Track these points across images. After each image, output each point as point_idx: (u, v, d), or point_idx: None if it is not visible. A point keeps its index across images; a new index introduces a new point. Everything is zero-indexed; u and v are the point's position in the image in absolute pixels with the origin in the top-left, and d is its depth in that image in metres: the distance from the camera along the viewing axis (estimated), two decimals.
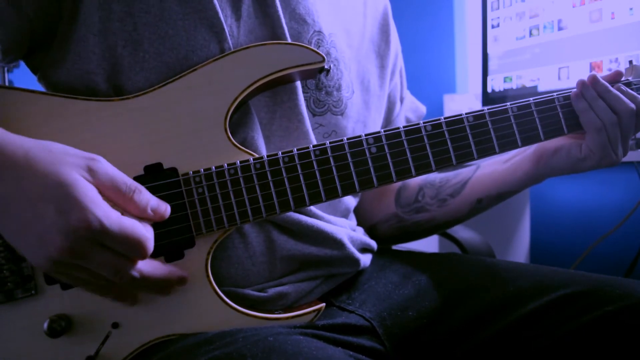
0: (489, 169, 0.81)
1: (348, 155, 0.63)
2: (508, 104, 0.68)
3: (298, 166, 0.62)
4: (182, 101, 0.61)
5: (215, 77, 0.62)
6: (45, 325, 0.57)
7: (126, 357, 0.59)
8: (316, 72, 0.68)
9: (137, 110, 0.61)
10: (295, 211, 0.66)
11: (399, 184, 0.88)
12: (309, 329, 0.61)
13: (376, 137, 0.63)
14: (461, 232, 1.01)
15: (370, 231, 0.89)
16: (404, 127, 0.64)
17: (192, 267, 0.61)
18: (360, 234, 0.77)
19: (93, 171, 0.52)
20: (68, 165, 0.51)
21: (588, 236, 1.54)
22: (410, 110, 0.94)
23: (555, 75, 1.24)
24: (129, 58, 0.61)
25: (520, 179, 0.77)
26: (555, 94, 0.70)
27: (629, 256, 1.38)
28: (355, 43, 0.77)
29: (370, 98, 0.79)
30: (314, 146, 0.62)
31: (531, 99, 0.69)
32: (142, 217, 0.55)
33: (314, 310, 0.64)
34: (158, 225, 0.59)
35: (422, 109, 0.96)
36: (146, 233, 0.52)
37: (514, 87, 1.35)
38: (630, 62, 0.75)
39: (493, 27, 1.41)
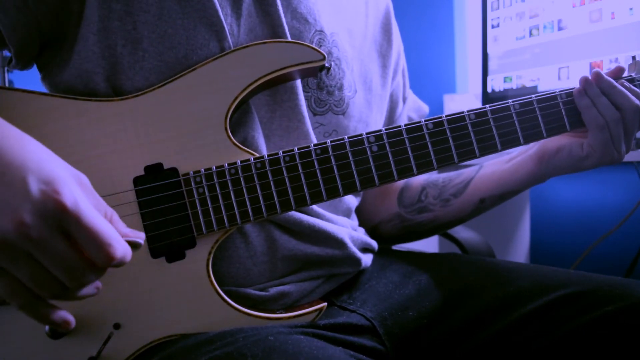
0: (491, 169, 0.81)
1: (349, 154, 0.63)
2: (510, 101, 0.67)
3: (299, 165, 0.62)
4: (182, 101, 0.61)
5: (216, 76, 0.62)
6: (47, 326, 0.57)
7: (128, 358, 0.59)
8: (317, 71, 0.68)
9: (137, 110, 0.61)
10: (296, 211, 0.66)
11: (401, 183, 0.88)
12: (310, 329, 0.62)
13: (377, 136, 0.63)
14: (461, 232, 1.01)
15: (373, 231, 0.89)
16: (405, 125, 0.64)
17: (193, 268, 0.61)
18: (361, 234, 0.77)
19: (81, 182, 0.48)
20: (59, 162, 0.48)
21: (588, 236, 1.54)
22: (413, 110, 0.94)
23: (555, 75, 1.24)
24: (129, 57, 0.61)
25: (523, 179, 0.77)
26: (557, 90, 0.70)
27: (629, 256, 1.38)
28: (357, 42, 0.77)
29: (372, 97, 0.79)
30: (315, 145, 0.62)
31: (533, 95, 0.68)
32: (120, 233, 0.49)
33: (315, 310, 0.64)
34: (159, 225, 0.59)
35: (425, 108, 0.96)
36: (118, 237, 0.46)
37: (514, 87, 1.35)
38: (634, 57, 0.75)
39: (493, 27, 1.41)
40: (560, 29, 1.23)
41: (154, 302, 0.60)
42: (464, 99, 1.94)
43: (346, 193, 0.63)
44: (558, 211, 1.75)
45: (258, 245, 0.65)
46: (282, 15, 0.66)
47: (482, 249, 0.98)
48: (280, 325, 0.61)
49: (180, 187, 0.60)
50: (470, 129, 0.65)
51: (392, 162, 0.63)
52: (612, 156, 0.69)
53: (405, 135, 0.64)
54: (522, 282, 0.68)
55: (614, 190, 1.59)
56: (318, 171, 0.62)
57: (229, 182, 0.61)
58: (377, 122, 0.80)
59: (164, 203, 0.59)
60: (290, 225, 0.66)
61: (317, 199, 0.62)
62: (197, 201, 0.60)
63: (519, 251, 1.65)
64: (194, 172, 0.60)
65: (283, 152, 0.62)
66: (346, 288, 0.75)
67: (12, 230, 0.42)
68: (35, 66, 0.69)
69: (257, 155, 0.62)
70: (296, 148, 0.62)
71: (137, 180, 0.59)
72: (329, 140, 0.63)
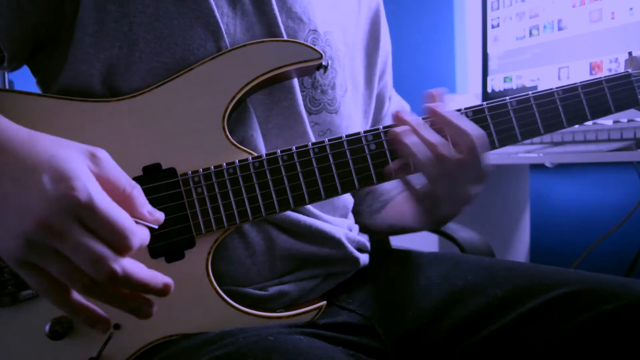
0: (401, 199, 0.81)
1: (347, 152, 0.63)
2: (507, 98, 0.67)
3: (297, 164, 0.62)
4: (179, 101, 0.61)
5: (213, 75, 0.62)
6: (47, 327, 0.57)
7: (128, 358, 0.59)
8: (314, 69, 0.68)
9: (135, 110, 0.61)
10: (294, 210, 0.66)
11: None
12: (310, 329, 0.62)
13: (375, 134, 0.63)
14: (461, 232, 1.01)
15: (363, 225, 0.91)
16: None
17: (192, 268, 0.61)
18: (356, 234, 0.77)
19: (96, 159, 0.48)
20: (71, 147, 0.48)
21: (588, 236, 1.54)
22: (398, 107, 0.95)
23: (555, 75, 1.24)
24: (125, 59, 0.61)
25: (413, 219, 0.74)
26: (554, 87, 0.70)
27: (629, 256, 1.38)
28: (349, 40, 0.77)
29: (358, 95, 0.79)
30: (312, 144, 0.62)
31: (530, 92, 0.68)
32: (137, 217, 0.50)
33: (315, 309, 0.64)
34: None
35: (407, 107, 0.97)
36: (134, 226, 0.47)
37: (514, 87, 1.35)
38: (630, 53, 0.74)
39: (493, 27, 1.41)
40: (560, 29, 1.23)
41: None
42: (464, 99, 1.94)
43: (344, 191, 0.63)
44: (558, 211, 1.75)
45: (256, 244, 0.65)
46: (278, 15, 0.67)
47: (482, 249, 0.97)
48: (280, 326, 0.61)
49: (179, 187, 0.60)
50: None
51: (389, 160, 0.63)
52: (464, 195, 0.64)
53: None
54: (522, 282, 0.68)
55: (614, 190, 1.59)
56: (316, 170, 0.62)
57: (227, 181, 0.61)
58: (360, 120, 0.80)
59: (163, 203, 0.59)
60: (288, 225, 0.66)
61: (315, 197, 0.62)
62: (195, 201, 0.60)
63: (519, 251, 1.65)
64: (192, 172, 0.60)
65: (281, 152, 0.62)
66: (345, 288, 0.75)
67: (35, 230, 0.43)
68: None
69: (255, 154, 0.62)
70: (294, 147, 0.62)
71: (135, 181, 0.59)
72: (326, 139, 0.63)
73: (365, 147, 0.63)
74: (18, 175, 0.44)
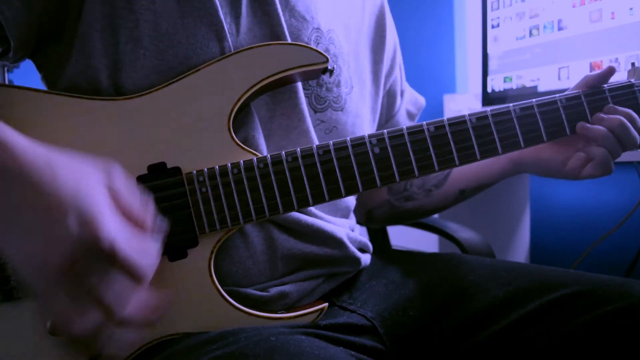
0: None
1: (351, 155, 0.63)
2: (511, 105, 0.68)
3: (301, 166, 0.62)
4: (185, 101, 0.61)
5: (219, 77, 0.62)
6: (49, 323, 0.57)
7: (129, 357, 0.59)
8: (319, 73, 0.68)
9: (141, 110, 0.61)
10: (297, 211, 0.66)
11: None
12: (311, 329, 0.62)
13: (379, 138, 0.64)
14: (461, 232, 1.01)
15: (367, 215, 0.93)
16: (407, 128, 0.64)
17: (195, 267, 0.61)
18: (357, 234, 0.77)
19: (113, 186, 0.48)
20: (91, 179, 0.48)
21: (588, 236, 1.54)
22: (410, 103, 0.95)
23: (555, 75, 1.24)
24: (130, 55, 0.61)
25: (497, 174, 0.84)
26: (557, 95, 0.70)
27: (629, 256, 1.38)
28: (353, 37, 0.77)
29: (365, 92, 0.79)
30: (317, 146, 0.62)
31: (534, 100, 0.69)
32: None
33: (316, 310, 0.64)
34: None
35: (422, 100, 0.97)
36: (149, 264, 0.48)
37: (514, 87, 1.35)
38: (633, 64, 0.75)
39: (493, 27, 1.41)
40: (560, 29, 1.23)
41: None
42: (464, 99, 1.94)
43: (348, 194, 0.63)
44: (558, 211, 1.75)
45: (257, 244, 0.65)
46: (281, 14, 0.67)
47: (482, 249, 0.98)
48: (281, 326, 0.61)
49: (183, 186, 0.60)
50: (471, 132, 0.66)
51: (393, 164, 0.64)
52: (610, 172, 0.72)
53: (407, 138, 0.64)
54: (522, 282, 0.68)
55: (614, 190, 1.59)
56: (320, 172, 0.62)
57: (231, 181, 0.61)
58: (368, 117, 0.81)
59: (167, 202, 0.60)
60: (289, 224, 0.66)
61: (319, 199, 0.62)
62: (199, 200, 0.60)
63: (519, 251, 1.65)
64: (197, 172, 0.60)
65: (286, 153, 0.62)
66: (346, 288, 0.75)
67: (57, 264, 0.44)
68: (35, 67, 0.69)
69: (260, 155, 0.62)
70: (299, 149, 0.62)
71: (140, 180, 0.60)
72: (331, 142, 0.63)
73: (370, 150, 0.63)
74: (41, 209, 0.45)
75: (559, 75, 1.23)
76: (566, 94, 0.71)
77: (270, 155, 0.62)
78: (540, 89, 1.27)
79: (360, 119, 0.77)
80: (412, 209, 0.90)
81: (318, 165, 0.62)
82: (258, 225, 0.66)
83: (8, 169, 0.45)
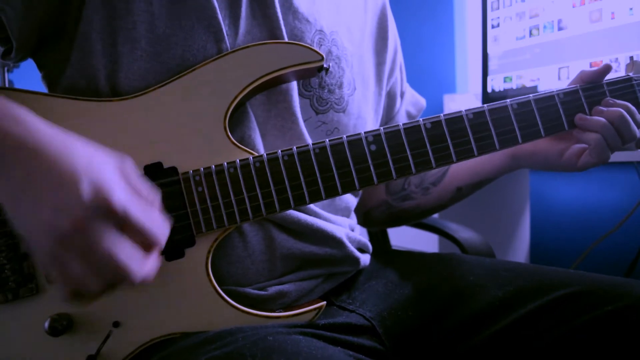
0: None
1: (348, 153, 0.63)
2: (508, 100, 0.68)
3: (298, 164, 0.62)
4: (181, 101, 0.61)
5: (215, 77, 0.62)
6: (46, 324, 0.57)
7: (127, 356, 0.59)
8: (315, 71, 0.68)
9: (137, 110, 0.61)
10: (295, 209, 0.66)
11: None
12: (309, 329, 0.62)
13: (376, 135, 0.63)
14: (461, 232, 1.01)
15: (365, 216, 0.92)
16: (403, 124, 0.64)
17: (192, 266, 0.61)
18: (357, 234, 0.77)
19: (125, 168, 0.49)
20: (105, 155, 0.49)
21: (588, 236, 1.54)
22: (411, 104, 0.95)
23: (555, 75, 1.24)
24: (128, 56, 0.61)
25: (494, 170, 0.83)
26: (555, 90, 0.70)
27: (629, 256, 1.38)
28: (356, 39, 0.77)
29: (368, 93, 0.79)
30: (313, 144, 0.62)
31: (531, 95, 0.68)
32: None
33: (314, 309, 0.64)
34: None
35: (422, 101, 0.97)
36: (161, 228, 0.50)
37: (514, 87, 1.35)
38: (631, 57, 0.75)
39: (493, 27, 1.41)
40: (560, 29, 1.23)
41: (153, 300, 0.60)
42: (464, 99, 1.94)
43: (345, 192, 0.63)
44: (558, 211, 1.75)
45: (256, 244, 0.65)
46: (281, 17, 0.66)
47: (482, 249, 0.98)
48: (279, 325, 0.61)
49: (180, 185, 0.60)
50: (468, 128, 0.65)
51: (390, 161, 0.63)
52: (606, 158, 0.71)
53: (403, 135, 0.64)
54: (522, 282, 0.68)
55: (614, 190, 1.59)
56: (317, 170, 0.62)
57: (228, 180, 0.61)
58: (371, 118, 0.81)
59: (164, 202, 0.59)
60: (288, 224, 0.66)
61: (316, 197, 0.62)
62: (196, 200, 0.60)
63: (519, 251, 1.65)
64: (194, 171, 0.60)
65: (282, 151, 0.62)
66: (345, 288, 0.75)
67: (71, 229, 0.45)
68: (35, 67, 0.69)
69: (256, 154, 0.62)
70: (295, 147, 0.62)
71: None
72: (327, 140, 0.63)
73: (366, 148, 0.63)
74: (56, 177, 0.46)
75: (559, 75, 1.23)
76: (564, 89, 0.70)
77: (267, 154, 0.61)
78: (541, 88, 1.27)
79: (362, 120, 0.76)
80: (409, 209, 0.89)
81: (314, 163, 0.62)
82: (257, 225, 0.65)
83: (25, 144, 0.46)
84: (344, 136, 0.63)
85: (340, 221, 0.73)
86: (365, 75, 0.78)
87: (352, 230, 0.77)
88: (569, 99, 0.70)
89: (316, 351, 0.52)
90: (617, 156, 1.08)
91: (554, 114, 0.69)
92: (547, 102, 0.69)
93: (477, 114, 0.66)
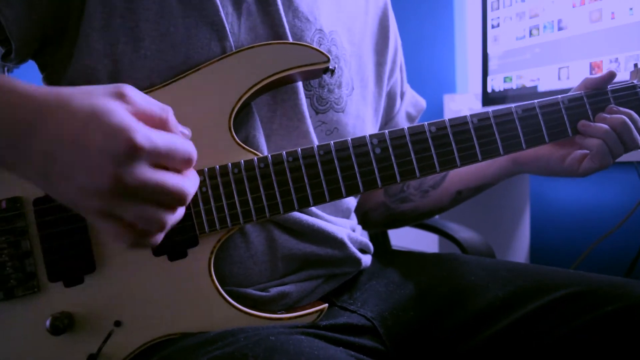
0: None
1: (352, 155, 0.63)
2: (513, 106, 0.68)
3: (302, 166, 0.62)
4: (186, 100, 0.61)
5: (220, 76, 0.62)
6: (48, 322, 0.57)
7: (128, 356, 0.59)
8: (320, 72, 0.68)
9: None
10: (297, 211, 0.66)
11: None
12: (311, 329, 0.62)
13: (381, 139, 0.63)
14: (461, 232, 1.01)
15: (363, 217, 0.92)
16: (408, 128, 0.64)
17: (195, 266, 0.61)
18: (358, 235, 0.77)
19: (126, 97, 0.48)
20: (100, 95, 0.47)
21: (588, 236, 1.54)
22: (411, 105, 0.95)
23: (555, 75, 1.24)
24: (130, 55, 0.61)
25: (495, 174, 0.82)
26: (559, 96, 0.70)
27: (629, 256, 1.38)
28: (356, 39, 0.77)
29: (367, 93, 0.79)
30: (318, 146, 0.62)
31: (535, 101, 0.69)
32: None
33: (316, 311, 0.64)
34: None
35: (422, 102, 0.97)
36: (188, 144, 0.50)
37: (514, 87, 1.35)
38: (636, 65, 0.75)
39: (493, 27, 1.41)
40: (560, 29, 1.23)
41: (155, 300, 0.60)
42: (464, 99, 1.93)
43: (349, 194, 0.63)
44: (558, 211, 1.75)
45: (258, 244, 0.65)
46: (283, 14, 0.66)
47: (482, 249, 0.98)
48: (281, 326, 0.61)
49: None
50: (473, 133, 0.65)
51: (395, 165, 0.63)
52: (608, 164, 0.71)
53: (408, 139, 0.64)
54: (522, 282, 0.68)
55: (614, 190, 1.59)
56: (321, 172, 0.62)
57: (232, 181, 0.61)
58: (370, 118, 0.80)
59: None
60: (290, 224, 0.66)
61: (319, 199, 0.62)
62: (200, 200, 0.60)
63: (519, 251, 1.65)
64: (197, 171, 0.60)
65: (286, 153, 0.62)
66: (347, 288, 0.75)
67: (111, 184, 0.44)
68: (36, 67, 0.69)
69: (261, 155, 0.62)
70: (299, 149, 0.62)
71: None
72: (332, 142, 0.62)
73: (371, 151, 0.63)
74: (69, 137, 0.45)
75: (559, 75, 1.23)
76: (568, 95, 0.70)
77: (271, 155, 0.61)
78: (540, 89, 1.27)
79: (361, 120, 0.76)
80: (406, 211, 0.89)
81: (319, 165, 0.62)
82: (259, 226, 0.65)
83: (35, 111, 0.46)
84: (349, 139, 0.63)
85: (341, 222, 0.73)
86: (364, 76, 0.78)
87: (353, 231, 0.77)
88: (573, 106, 0.70)
89: (318, 351, 0.52)
90: None
91: (558, 120, 0.69)
92: (552, 108, 0.69)
93: (482, 119, 0.66)
